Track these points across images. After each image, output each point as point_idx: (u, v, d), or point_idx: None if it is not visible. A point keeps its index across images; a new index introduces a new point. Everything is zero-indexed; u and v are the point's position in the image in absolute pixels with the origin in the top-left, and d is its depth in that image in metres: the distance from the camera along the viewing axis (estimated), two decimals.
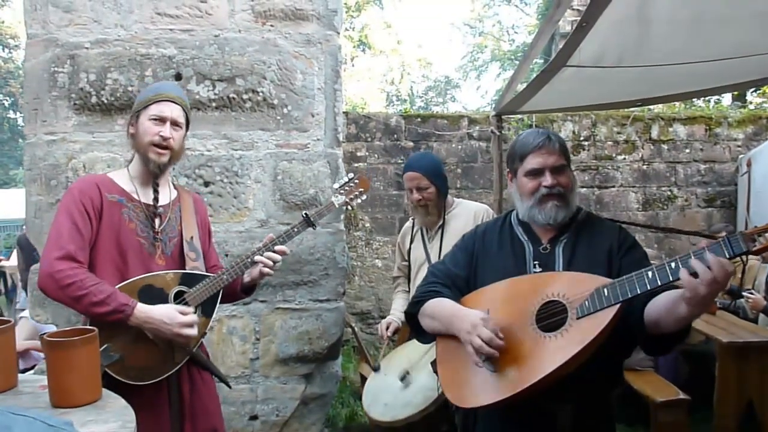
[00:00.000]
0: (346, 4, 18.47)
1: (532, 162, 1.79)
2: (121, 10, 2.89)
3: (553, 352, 1.51)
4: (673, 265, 1.39)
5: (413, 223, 3.06)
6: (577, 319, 1.52)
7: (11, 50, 24.59)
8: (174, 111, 2.06)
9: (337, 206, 2.41)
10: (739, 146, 7.13)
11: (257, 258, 2.14)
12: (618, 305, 1.47)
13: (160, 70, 2.88)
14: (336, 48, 3.07)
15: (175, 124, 2.06)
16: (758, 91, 9.81)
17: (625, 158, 7.05)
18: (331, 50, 3.05)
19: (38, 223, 2.90)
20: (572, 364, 1.48)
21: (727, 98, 10.29)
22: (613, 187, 7.03)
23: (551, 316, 1.59)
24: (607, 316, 1.47)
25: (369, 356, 3.23)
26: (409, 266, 3.04)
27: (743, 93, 9.94)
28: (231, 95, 2.93)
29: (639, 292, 1.45)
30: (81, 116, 2.89)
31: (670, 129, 7.09)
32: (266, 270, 2.15)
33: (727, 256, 1.32)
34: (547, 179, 1.77)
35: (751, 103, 10.30)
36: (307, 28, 3.02)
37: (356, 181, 2.48)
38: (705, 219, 7.06)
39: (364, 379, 3.18)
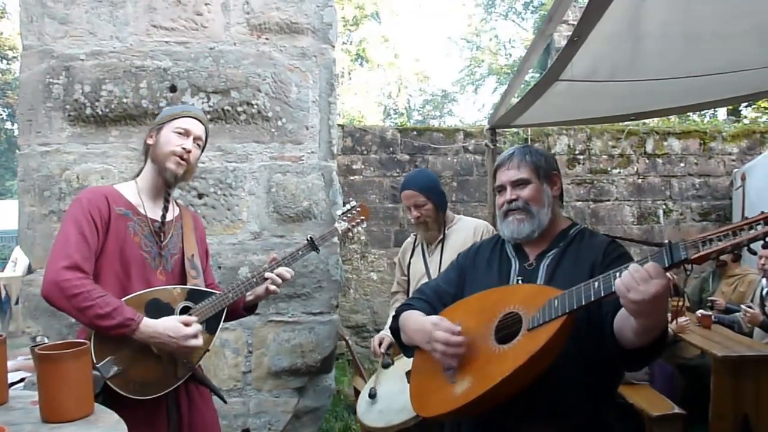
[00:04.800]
0: (343, 17, 18.61)
1: (497, 180, 1.85)
2: (116, 22, 2.90)
3: (502, 363, 1.51)
4: (618, 274, 1.39)
5: (415, 239, 3.07)
6: (529, 330, 1.52)
7: (9, 62, 24.58)
8: (198, 129, 2.13)
9: (340, 232, 2.54)
10: (733, 160, 7.16)
11: (267, 274, 2.17)
12: (564, 316, 1.46)
13: (155, 82, 2.88)
14: (331, 61, 3.09)
15: (196, 141, 2.12)
16: (752, 106, 9.88)
17: (620, 172, 7.06)
18: (326, 63, 3.07)
19: (31, 234, 2.89)
20: (522, 374, 1.47)
21: (721, 112, 10.38)
22: (608, 200, 7.04)
23: (509, 328, 1.60)
24: (554, 326, 1.47)
25: (363, 370, 3.22)
26: (408, 281, 3.05)
27: (737, 107, 10.01)
28: (226, 107, 2.93)
29: (584, 302, 1.44)
30: (75, 127, 2.89)
31: (665, 143, 7.12)
32: (273, 288, 2.18)
33: (667, 263, 1.31)
34: (507, 194, 1.79)
35: (745, 117, 10.37)
36: (302, 42, 3.04)
37: (358, 209, 2.62)
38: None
39: (358, 392, 3.16)
